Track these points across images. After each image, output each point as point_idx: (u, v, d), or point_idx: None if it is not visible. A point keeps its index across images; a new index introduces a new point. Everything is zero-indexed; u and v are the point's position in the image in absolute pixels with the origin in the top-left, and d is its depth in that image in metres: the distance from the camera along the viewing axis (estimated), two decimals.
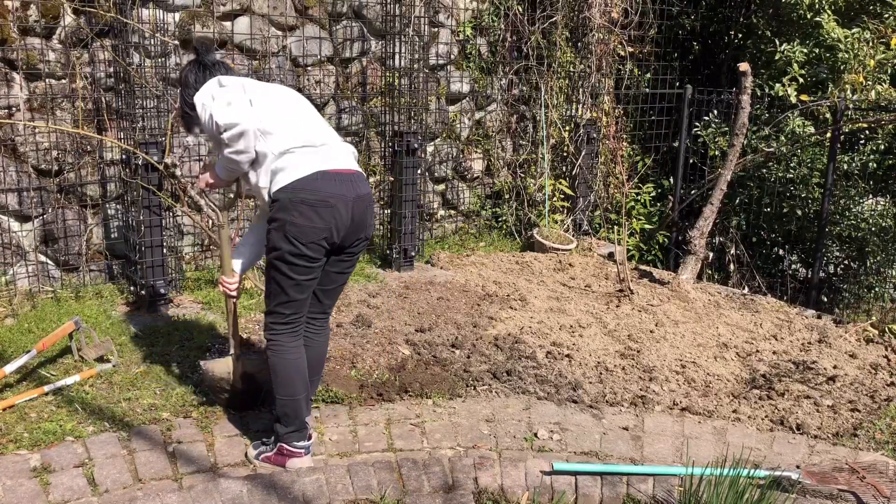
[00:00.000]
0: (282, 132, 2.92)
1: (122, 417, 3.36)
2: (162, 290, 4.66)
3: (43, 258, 4.88)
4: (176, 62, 4.99)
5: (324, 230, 2.88)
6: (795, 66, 6.33)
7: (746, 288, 6.28)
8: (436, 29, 6.50)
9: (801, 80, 6.36)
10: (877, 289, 6.28)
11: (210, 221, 4.73)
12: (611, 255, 6.39)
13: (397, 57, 5.80)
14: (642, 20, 7.07)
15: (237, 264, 3.24)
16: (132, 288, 4.81)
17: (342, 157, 3.01)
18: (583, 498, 2.99)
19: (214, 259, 5.47)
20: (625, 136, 7.42)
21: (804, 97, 6.22)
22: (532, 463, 3.12)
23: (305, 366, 3.09)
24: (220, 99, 2.89)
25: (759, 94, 6.48)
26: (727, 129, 6.45)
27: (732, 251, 6.66)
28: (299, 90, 5.76)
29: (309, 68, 5.79)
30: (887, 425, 3.69)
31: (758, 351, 4.57)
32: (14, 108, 4.62)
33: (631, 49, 7.11)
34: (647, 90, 7.34)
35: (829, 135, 5.90)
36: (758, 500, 2.80)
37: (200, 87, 3.00)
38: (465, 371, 3.98)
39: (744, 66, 5.54)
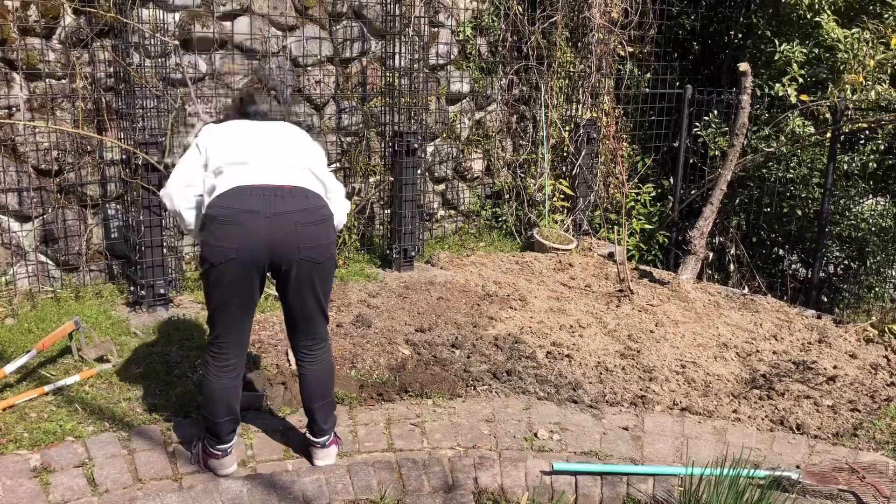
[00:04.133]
0: (226, 158, 2.89)
1: (122, 417, 3.35)
2: (162, 290, 4.66)
3: (43, 258, 4.87)
4: (176, 62, 4.99)
5: (229, 250, 2.71)
6: (795, 66, 6.33)
7: (746, 288, 6.28)
8: (436, 29, 6.50)
9: (800, 80, 6.36)
10: (877, 289, 6.28)
11: None
12: (611, 255, 6.39)
13: (397, 57, 5.80)
14: (642, 20, 7.07)
15: None
16: (132, 288, 4.81)
17: (274, 172, 2.83)
18: (583, 498, 2.99)
19: None
20: (625, 136, 7.42)
21: (804, 97, 6.22)
22: (532, 463, 3.12)
23: (228, 395, 2.93)
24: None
25: (759, 94, 6.48)
26: (727, 129, 6.45)
27: (732, 251, 6.67)
28: (299, 91, 5.76)
29: (309, 68, 5.79)
30: (887, 425, 3.69)
31: (758, 351, 4.57)
32: (14, 108, 4.62)
33: (631, 49, 7.11)
34: (647, 90, 7.34)
35: (829, 135, 5.90)
36: (758, 500, 2.80)
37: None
38: (465, 371, 3.98)
39: (744, 66, 5.54)
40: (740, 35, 7.67)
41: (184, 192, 2.92)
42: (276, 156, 2.89)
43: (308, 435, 3.14)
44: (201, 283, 2.93)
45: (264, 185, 2.79)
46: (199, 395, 3.05)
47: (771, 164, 6.42)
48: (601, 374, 4.11)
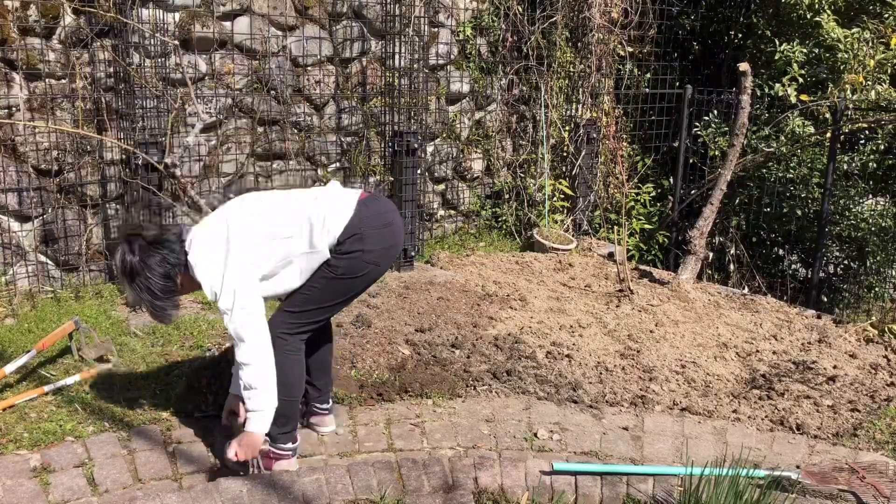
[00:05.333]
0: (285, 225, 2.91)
1: (122, 417, 3.35)
2: None
3: (43, 258, 4.88)
4: (176, 62, 4.99)
5: (391, 247, 3.02)
6: (795, 66, 6.33)
7: (746, 288, 6.28)
8: (436, 29, 6.50)
9: (800, 80, 6.36)
10: (877, 289, 6.28)
11: None
12: (611, 255, 6.39)
13: (397, 57, 5.80)
14: (642, 20, 7.07)
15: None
16: None
17: (341, 190, 3.08)
18: (583, 498, 2.99)
19: None
20: (625, 136, 7.42)
21: (804, 97, 6.22)
22: (532, 463, 3.12)
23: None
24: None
25: (759, 94, 6.48)
26: (727, 129, 6.45)
27: (732, 251, 6.67)
28: (299, 91, 5.77)
29: (309, 68, 5.79)
30: (887, 425, 3.69)
31: (758, 351, 4.57)
32: (14, 108, 4.62)
33: (631, 49, 7.11)
34: (647, 90, 7.34)
35: (829, 135, 5.90)
36: (758, 500, 2.80)
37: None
38: (465, 371, 3.98)
39: (744, 66, 5.54)
40: (740, 35, 7.67)
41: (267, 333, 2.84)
42: (310, 190, 3.10)
43: (315, 405, 3.32)
44: (324, 283, 2.93)
45: (362, 196, 3.02)
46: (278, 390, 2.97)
47: (771, 164, 6.42)
48: (601, 374, 4.11)
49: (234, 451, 2.84)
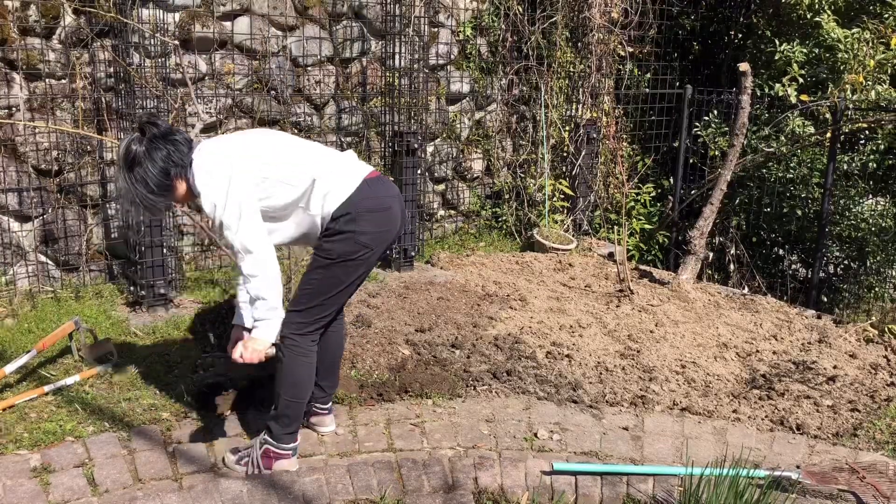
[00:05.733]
0: (302, 162, 2.91)
1: (122, 417, 3.35)
2: (162, 290, 4.66)
3: (43, 258, 4.88)
4: (176, 62, 4.99)
5: (386, 232, 2.95)
6: (795, 66, 6.33)
7: (746, 288, 6.28)
8: (436, 29, 6.51)
9: (801, 80, 6.36)
10: (877, 289, 6.28)
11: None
12: (611, 255, 6.39)
13: (397, 57, 5.80)
14: (642, 20, 7.07)
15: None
16: (132, 288, 4.80)
17: (354, 161, 3.03)
18: (583, 498, 2.99)
19: (214, 259, 5.47)
20: (625, 136, 7.42)
21: (804, 97, 6.22)
22: (532, 463, 3.12)
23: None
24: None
25: (759, 94, 6.48)
26: (727, 129, 6.45)
27: (732, 251, 6.67)
28: (299, 91, 5.77)
29: (309, 68, 5.79)
30: (887, 425, 3.69)
31: (758, 351, 4.57)
32: (14, 108, 4.62)
33: (631, 49, 7.11)
34: (647, 90, 7.34)
35: (829, 135, 5.90)
36: (758, 500, 2.80)
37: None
38: (465, 371, 3.98)
39: (744, 66, 5.54)
40: (740, 35, 7.67)
41: (271, 247, 2.84)
42: (328, 150, 3.05)
43: (317, 405, 3.30)
44: (322, 273, 2.91)
45: (370, 175, 2.97)
46: (284, 381, 2.95)
47: (771, 164, 6.42)
48: (601, 374, 4.11)
49: (239, 353, 2.86)
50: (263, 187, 2.84)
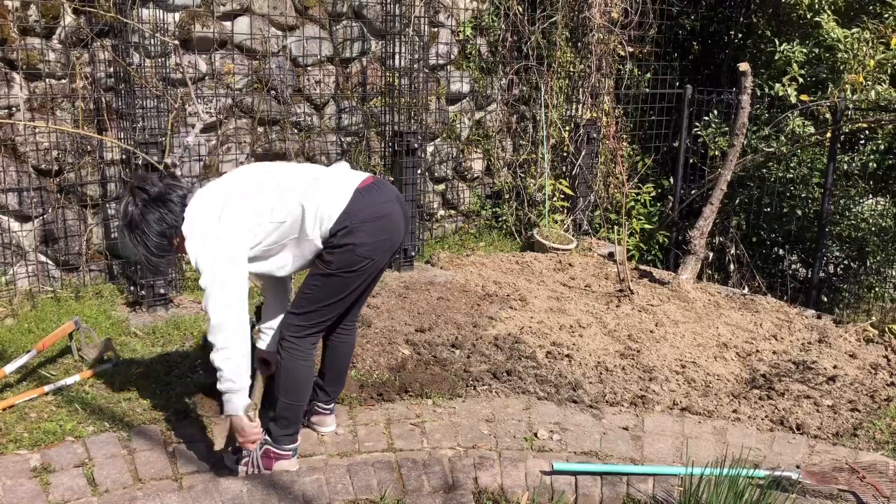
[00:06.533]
0: (288, 196, 2.87)
1: (122, 417, 3.35)
2: (162, 290, 4.66)
3: (43, 258, 4.88)
4: (176, 62, 4.99)
5: (387, 240, 2.92)
6: (795, 66, 6.33)
7: (746, 288, 6.27)
8: (436, 29, 6.50)
9: (801, 80, 6.36)
10: (877, 289, 6.28)
11: None
12: (611, 255, 6.39)
13: (397, 57, 5.80)
14: (642, 20, 7.07)
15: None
16: (132, 288, 4.81)
17: (346, 173, 2.99)
18: (583, 498, 2.99)
19: None
20: (625, 136, 7.42)
21: (804, 97, 6.22)
22: (532, 463, 3.12)
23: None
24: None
25: (759, 94, 6.48)
26: (727, 129, 6.45)
27: (732, 251, 6.67)
28: (299, 91, 5.77)
29: (309, 68, 5.79)
30: (887, 425, 3.69)
31: (758, 351, 4.57)
32: (14, 108, 4.62)
33: (631, 49, 7.11)
34: (647, 90, 7.34)
35: (829, 135, 5.90)
36: (758, 500, 2.80)
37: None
38: (465, 371, 3.98)
39: (744, 66, 5.54)
40: (740, 35, 7.67)
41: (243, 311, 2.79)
42: (315, 170, 3.02)
43: (319, 405, 3.30)
44: (322, 280, 2.89)
45: (363, 184, 2.91)
46: (282, 384, 2.95)
47: (771, 164, 6.42)
48: (601, 374, 4.11)
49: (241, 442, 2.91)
50: (255, 232, 2.81)
